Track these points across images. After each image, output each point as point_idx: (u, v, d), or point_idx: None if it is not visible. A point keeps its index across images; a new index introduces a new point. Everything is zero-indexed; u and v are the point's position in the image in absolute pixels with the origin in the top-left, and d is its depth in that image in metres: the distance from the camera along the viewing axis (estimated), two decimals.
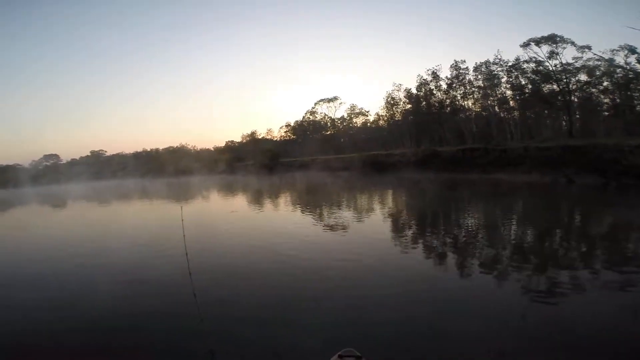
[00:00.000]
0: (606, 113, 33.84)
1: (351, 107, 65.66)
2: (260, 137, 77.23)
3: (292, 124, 72.53)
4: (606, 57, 32.41)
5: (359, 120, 65.56)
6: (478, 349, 3.96)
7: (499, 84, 41.02)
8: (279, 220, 14.74)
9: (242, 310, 5.35)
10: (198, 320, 4.86)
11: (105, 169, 72.34)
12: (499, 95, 41.71)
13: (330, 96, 67.01)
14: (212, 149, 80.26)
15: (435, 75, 47.35)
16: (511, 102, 41.66)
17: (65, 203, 33.14)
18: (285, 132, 73.79)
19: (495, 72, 40.47)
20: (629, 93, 32.32)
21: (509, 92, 40.69)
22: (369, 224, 12.60)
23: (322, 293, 5.76)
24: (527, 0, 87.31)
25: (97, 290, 6.67)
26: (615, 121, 32.47)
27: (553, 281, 6.07)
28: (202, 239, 10.20)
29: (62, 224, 19.68)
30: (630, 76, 31.34)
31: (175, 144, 79.96)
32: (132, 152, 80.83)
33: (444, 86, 46.70)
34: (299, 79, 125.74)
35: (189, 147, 78.23)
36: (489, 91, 42.16)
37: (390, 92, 55.22)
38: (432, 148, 36.02)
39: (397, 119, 54.86)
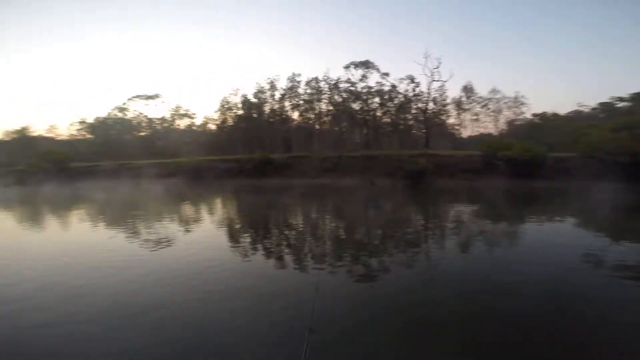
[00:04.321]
0: (389, 129, 45.05)
1: (175, 107, 58.70)
2: (35, 134, 57.03)
3: (89, 121, 57.45)
4: (395, 84, 42.99)
5: (182, 123, 59.38)
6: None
7: (320, 99, 46.96)
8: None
9: None
10: None
11: None
12: (320, 110, 47.79)
13: (150, 93, 57.66)
14: None
15: (272, 85, 49.14)
16: (326, 118, 48.49)
17: None
18: (78, 130, 57.50)
19: (321, 88, 46.11)
20: (402, 115, 44.43)
21: (326, 107, 47.25)
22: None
23: None
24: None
25: None
26: (393, 136, 43.70)
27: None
28: None
29: None
30: (404, 100, 43.24)
31: None
32: None
33: (278, 96, 49.15)
34: (98, 66, 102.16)
35: None
36: (314, 105, 47.50)
37: (228, 96, 53.26)
38: (267, 155, 36.65)
39: (228, 124, 53.16)
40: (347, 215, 15.04)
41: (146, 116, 57.82)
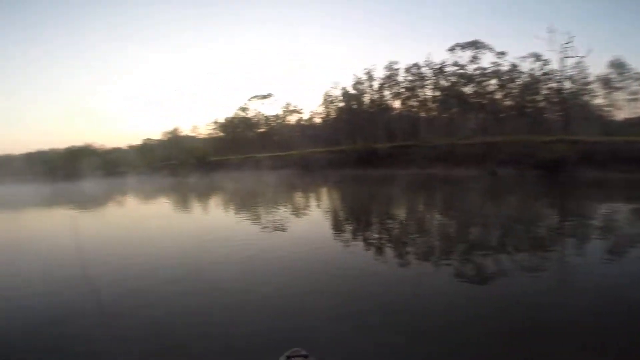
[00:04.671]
0: (513, 113, 39.21)
1: (286, 104, 64.24)
2: (183, 134, 70.68)
3: (220, 121, 67.89)
4: (516, 64, 37.26)
5: (292, 118, 64.54)
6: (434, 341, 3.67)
7: (424, 86, 44.27)
8: None
9: None
10: None
11: None
12: (425, 96, 45.11)
13: (264, 93, 64.72)
14: (127, 147, 70.70)
15: (369, 76, 49.03)
16: (433, 104, 45.34)
17: None
18: (213, 129, 68.65)
19: (424, 74, 43.51)
20: (529, 97, 38.07)
21: (431, 93, 44.24)
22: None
23: None
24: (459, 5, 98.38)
25: None
26: (519, 120, 37.81)
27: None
28: None
29: None
30: (530, 80, 36.96)
31: (78, 142, 67.35)
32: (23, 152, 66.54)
33: (376, 86, 48.66)
34: (223, 72, 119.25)
35: (96, 145, 66.60)
36: (416, 92, 45.21)
37: (329, 90, 55.66)
38: (370, 145, 36.88)
39: (332, 116, 55.38)
40: (455, 210, 13.94)
41: (263, 114, 64.98)
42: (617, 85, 38.59)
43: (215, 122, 68.19)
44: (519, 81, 38.71)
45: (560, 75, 35.67)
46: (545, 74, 37.09)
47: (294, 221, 11.62)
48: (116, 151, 68.15)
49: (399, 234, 9.47)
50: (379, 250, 7.86)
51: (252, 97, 65.48)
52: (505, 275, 5.90)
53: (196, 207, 17.72)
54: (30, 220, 17.09)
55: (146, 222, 13.70)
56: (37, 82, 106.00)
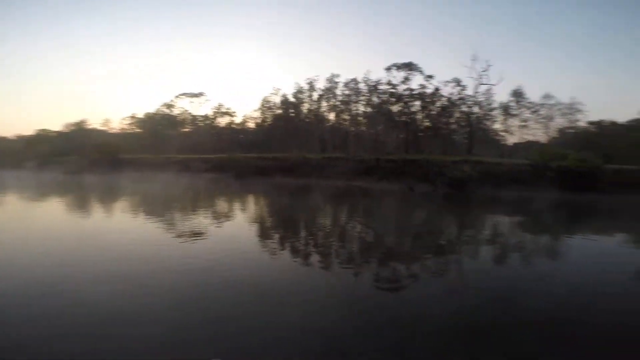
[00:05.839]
0: (429, 133, 43.57)
1: (217, 105, 61.10)
2: (90, 127, 61.91)
3: (139, 116, 61.32)
4: (439, 87, 41.45)
5: (223, 120, 61.56)
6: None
7: (358, 101, 46.56)
8: None
9: None
10: None
11: None
12: (357, 111, 47.42)
13: (196, 91, 60.80)
14: (16, 137, 59.46)
15: (311, 86, 49.75)
16: (362, 119, 47.94)
17: None
18: (128, 124, 61.56)
19: (360, 90, 45.73)
20: (444, 119, 42.79)
21: (363, 109, 46.75)
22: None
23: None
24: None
25: None
26: (434, 140, 42.18)
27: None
28: None
29: None
30: (447, 104, 41.63)
31: None
32: None
33: (316, 97, 49.62)
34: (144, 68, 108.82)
35: None
36: (350, 106, 47.29)
37: (269, 95, 54.72)
38: (303, 155, 36.98)
39: (268, 122, 54.41)
40: (379, 220, 14.65)
41: (190, 113, 60.60)
42: (514, 112, 45.79)
43: (133, 117, 61.34)
44: (439, 104, 43.25)
45: (472, 101, 40.87)
46: (460, 98, 42.10)
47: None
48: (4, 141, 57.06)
49: (303, 242, 9.29)
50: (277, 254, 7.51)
51: (181, 94, 60.90)
52: (409, 278, 6.57)
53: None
54: None
55: None
56: None
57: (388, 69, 42.26)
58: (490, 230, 12.64)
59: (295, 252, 8.30)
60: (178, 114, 60.21)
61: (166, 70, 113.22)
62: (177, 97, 60.28)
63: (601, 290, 5.93)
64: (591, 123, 44.86)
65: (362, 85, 45.37)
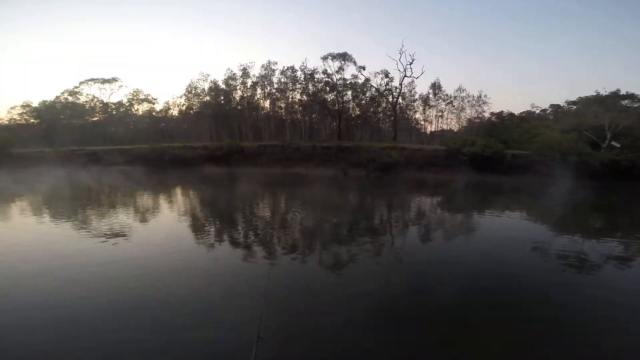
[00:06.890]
0: (359, 122, 45.41)
1: (134, 91, 54.53)
2: None
3: (34, 105, 51.83)
4: (369, 78, 43.07)
5: (142, 108, 55.33)
6: None
7: (294, 89, 46.06)
8: None
9: None
10: None
11: None
12: (292, 99, 46.94)
13: (107, 77, 53.36)
14: None
15: (245, 72, 47.37)
16: (298, 107, 47.79)
17: None
18: (20, 114, 51.61)
19: (297, 78, 45.07)
20: (372, 109, 44.97)
21: (299, 97, 46.55)
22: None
23: None
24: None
25: None
26: (364, 128, 44.14)
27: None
28: None
29: None
30: (376, 94, 43.77)
31: None
32: None
33: (250, 84, 47.55)
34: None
35: None
36: (287, 94, 46.54)
37: (196, 81, 50.40)
38: (237, 143, 35.36)
39: (195, 110, 50.38)
40: (319, 204, 14.92)
41: (101, 101, 53.08)
42: (432, 103, 50.42)
43: (26, 106, 51.41)
44: (368, 94, 45.23)
45: (398, 92, 43.56)
46: (388, 89, 44.56)
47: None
48: None
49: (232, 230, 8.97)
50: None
51: (88, 80, 52.82)
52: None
53: None
54: None
55: None
56: None
57: (324, 58, 42.60)
58: (415, 210, 13.90)
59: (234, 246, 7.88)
60: (85, 101, 52.33)
61: (72, 54, 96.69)
62: (82, 83, 52.35)
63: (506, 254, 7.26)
64: (493, 114, 51.81)
65: (299, 74, 45.05)
